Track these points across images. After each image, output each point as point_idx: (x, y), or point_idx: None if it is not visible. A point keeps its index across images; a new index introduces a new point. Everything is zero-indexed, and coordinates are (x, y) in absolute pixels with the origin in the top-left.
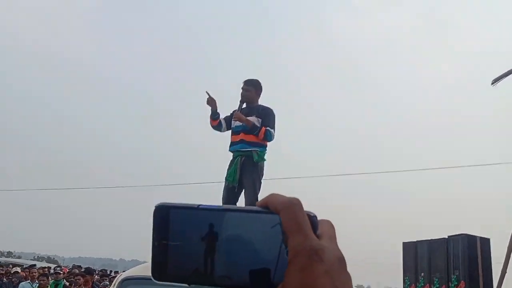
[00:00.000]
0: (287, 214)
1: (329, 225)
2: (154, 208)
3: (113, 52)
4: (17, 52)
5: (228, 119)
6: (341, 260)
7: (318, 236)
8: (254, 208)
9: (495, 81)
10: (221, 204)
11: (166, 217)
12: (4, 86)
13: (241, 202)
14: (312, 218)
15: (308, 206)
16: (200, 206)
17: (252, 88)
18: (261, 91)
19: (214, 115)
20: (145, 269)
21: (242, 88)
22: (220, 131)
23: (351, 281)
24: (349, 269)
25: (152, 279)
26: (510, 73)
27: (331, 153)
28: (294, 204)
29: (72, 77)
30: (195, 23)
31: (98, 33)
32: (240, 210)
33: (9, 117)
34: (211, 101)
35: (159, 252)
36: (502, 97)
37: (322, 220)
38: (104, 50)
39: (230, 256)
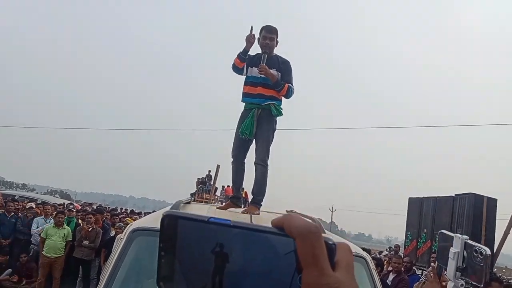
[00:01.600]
0: (304, 243)
1: (347, 251)
2: (162, 216)
3: None
4: None
5: (247, 65)
6: None
7: (334, 266)
8: (268, 228)
9: None
10: (230, 155)
11: (174, 227)
12: None
13: (251, 152)
14: (329, 246)
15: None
16: (210, 220)
17: (275, 37)
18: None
19: (244, 55)
20: (154, 221)
21: (264, 36)
22: (240, 74)
23: None
24: (352, 215)
25: None
26: None
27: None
28: (312, 233)
29: None
30: None
31: None
32: (253, 229)
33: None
34: (250, 38)
35: (165, 263)
36: None
37: (340, 246)
38: None
39: (239, 276)
